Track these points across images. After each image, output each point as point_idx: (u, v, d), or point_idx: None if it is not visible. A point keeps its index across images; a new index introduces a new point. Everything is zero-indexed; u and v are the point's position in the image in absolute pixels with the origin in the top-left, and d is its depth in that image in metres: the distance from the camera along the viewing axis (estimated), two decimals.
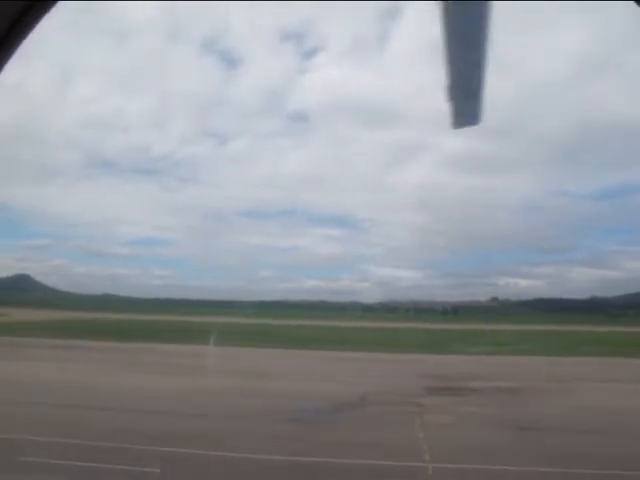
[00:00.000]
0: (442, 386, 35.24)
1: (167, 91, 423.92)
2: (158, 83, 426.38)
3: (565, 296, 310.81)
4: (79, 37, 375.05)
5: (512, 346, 71.91)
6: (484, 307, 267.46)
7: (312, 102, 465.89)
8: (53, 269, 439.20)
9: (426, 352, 62.37)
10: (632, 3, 2.82)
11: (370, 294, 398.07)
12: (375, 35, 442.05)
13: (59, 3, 2.76)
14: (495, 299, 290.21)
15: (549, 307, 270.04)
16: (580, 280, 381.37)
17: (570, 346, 72.33)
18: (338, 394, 31.91)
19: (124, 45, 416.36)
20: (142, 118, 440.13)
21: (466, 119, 3.09)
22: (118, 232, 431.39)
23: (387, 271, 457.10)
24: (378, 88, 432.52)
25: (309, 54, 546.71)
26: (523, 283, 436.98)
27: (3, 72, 2.83)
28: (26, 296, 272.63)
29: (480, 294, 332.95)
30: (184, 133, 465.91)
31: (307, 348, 64.68)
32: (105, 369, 41.36)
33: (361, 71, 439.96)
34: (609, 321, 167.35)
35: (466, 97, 2.89)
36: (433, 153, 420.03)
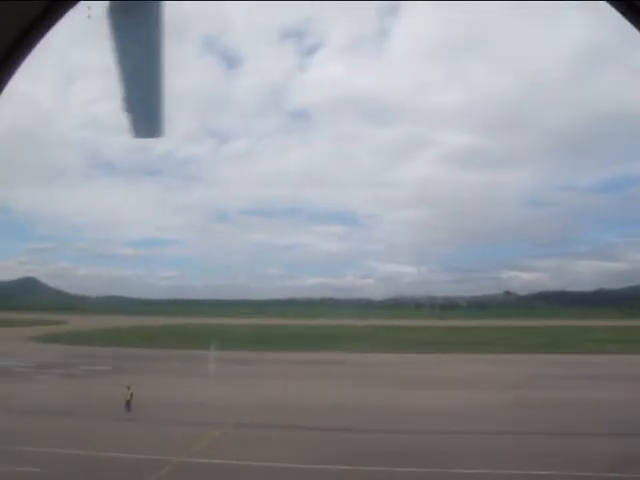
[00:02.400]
0: None
1: (168, 90, 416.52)
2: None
3: (570, 289, 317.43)
4: (79, 37, 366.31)
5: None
6: (500, 301, 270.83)
7: (313, 99, 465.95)
8: (58, 271, 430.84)
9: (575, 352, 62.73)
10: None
11: (375, 290, 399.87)
12: (375, 32, 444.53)
13: (79, 4, 2.76)
14: (508, 292, 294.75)
15: (561, 300, 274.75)
16: (585, 272, 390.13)
17: None
18: None
19: None
20: None
21: (145, 130, 3.10)
22: (122, 233, 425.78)
23: (390, 267, 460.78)
24: (379, 85, 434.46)
25: (309, 52, 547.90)
26: (526, 276, 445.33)
27: (18, 73, 2.87)
28: (35, 299, 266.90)
29: (484, 288, 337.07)
30: (186, 133, 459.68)
31: (449, 352, 64.56)
32: (348, 385, 40.67)
33: (361, 68, 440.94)
34: None
35: (143, 108, 2.96)
36: (436, 149, 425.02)
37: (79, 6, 2.77)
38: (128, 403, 31.76)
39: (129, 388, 32.20)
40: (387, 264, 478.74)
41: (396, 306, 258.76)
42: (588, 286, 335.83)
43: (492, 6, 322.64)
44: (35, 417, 29.47)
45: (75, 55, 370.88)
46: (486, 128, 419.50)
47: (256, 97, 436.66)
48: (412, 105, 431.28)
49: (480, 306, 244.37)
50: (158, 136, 3.04)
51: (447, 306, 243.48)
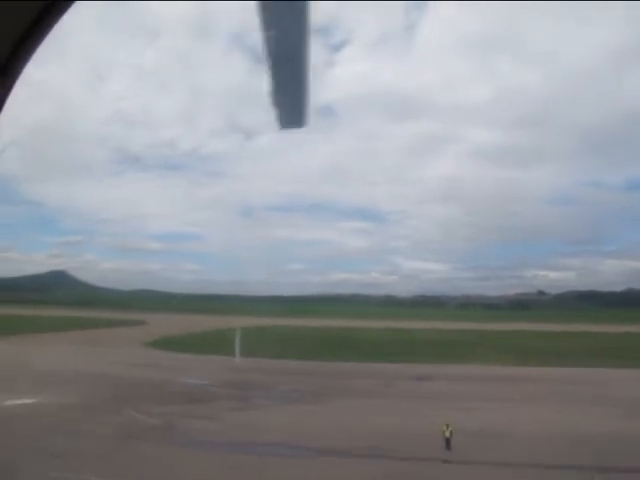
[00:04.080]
0: None
1: (195, 87, 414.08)
2: (186, 79, 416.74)
3: (598, 288, 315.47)
4: (109, 35, 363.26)
5: None
6: (535, 300, 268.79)
7: (339, 95, 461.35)
8: (85, 264, 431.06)
9: None
10: None
11: (399, 287, 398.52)
12: (402, 28, 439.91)
13: (78, 3, 2.80)
14: (541, 292, 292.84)
15: (594, 300, 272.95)
16: (612, 272, 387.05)
17: None
18: None
19: (154, 42, 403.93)
20: (170, 114, 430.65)
21: (290, 122, 3.13)
22: (148, 227, 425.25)
23: (416, 264, 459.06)
24: (405, 81, 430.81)
25: (336, 48, 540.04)
26: (553, 275, 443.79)
27: (25, 71, 2.89)
28: (67, 293, 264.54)
29: (511, 286, 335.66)
30: (212, 128, 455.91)
31: (593, 366, 63.63)
32: (597, 410, 39.41)
33: (388, 64, 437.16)
34: None
35: (289, 101, 2.98)
36: (463, 145, 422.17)
37: (76, 6, 2.81)
38: (448, 441, 30.30)
39: (448, 426, 30.67)
40: (412, 261, 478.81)
41: (437, 304, 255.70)
42: (616, 286, 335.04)
43: (521, 3, 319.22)
44: (379, 462, 27.86)
45: (91, 52, 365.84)
46: (514, 125, 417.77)
47: None
48: (439, 101, 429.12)
49: (522, 306, 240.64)
50: (303, 126, 3.11)
51: (488, 306, 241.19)
